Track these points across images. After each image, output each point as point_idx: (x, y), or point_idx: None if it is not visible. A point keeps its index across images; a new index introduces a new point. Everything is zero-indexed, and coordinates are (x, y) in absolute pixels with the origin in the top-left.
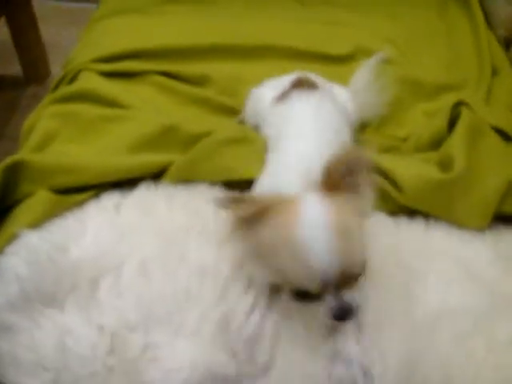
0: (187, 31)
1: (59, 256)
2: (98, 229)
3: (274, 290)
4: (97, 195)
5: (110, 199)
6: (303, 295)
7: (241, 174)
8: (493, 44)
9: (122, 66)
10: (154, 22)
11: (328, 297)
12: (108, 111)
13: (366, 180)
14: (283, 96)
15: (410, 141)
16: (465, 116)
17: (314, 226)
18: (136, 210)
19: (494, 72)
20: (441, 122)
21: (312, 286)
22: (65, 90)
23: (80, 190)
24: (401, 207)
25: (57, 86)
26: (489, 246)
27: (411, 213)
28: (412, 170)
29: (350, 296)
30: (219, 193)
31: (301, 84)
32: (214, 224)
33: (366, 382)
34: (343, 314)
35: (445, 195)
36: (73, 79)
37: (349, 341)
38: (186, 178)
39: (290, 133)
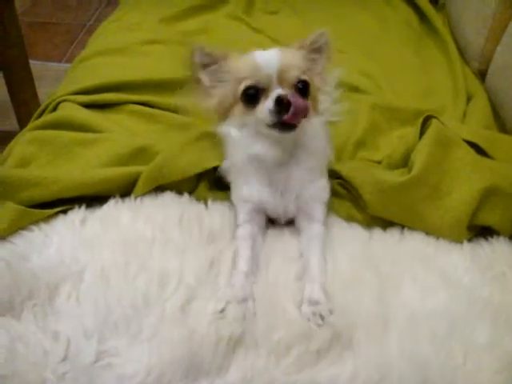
0: (165, 66)
1: (18, 264)
2: (61, 240)
3: None
4: (65, 211)
5: (77, 214)
6: (253, 97)
7: (208, 164)
8: (468, 75)
9: (101, 98)
10: (133, 60)
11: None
12: (83, 135)
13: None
14: None
15: (383, 160)
16: (432, 126)
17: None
18: (101, 223)
19: (469, 99)
20: (412, 137)
21: (259, 77)
22: (43, 118)
23: (49, 205)
24: (374, 219)
25: (39, 117)
26: (466, 255)
27: (386, 225)
28: (369, 175)
29: (292, 93)
30: (185, 204)
31: None
32: (178, 236)
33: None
34: (284, 101)
35: (406, 200)
36: (54, 110)
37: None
38: (156, 184)
39: None
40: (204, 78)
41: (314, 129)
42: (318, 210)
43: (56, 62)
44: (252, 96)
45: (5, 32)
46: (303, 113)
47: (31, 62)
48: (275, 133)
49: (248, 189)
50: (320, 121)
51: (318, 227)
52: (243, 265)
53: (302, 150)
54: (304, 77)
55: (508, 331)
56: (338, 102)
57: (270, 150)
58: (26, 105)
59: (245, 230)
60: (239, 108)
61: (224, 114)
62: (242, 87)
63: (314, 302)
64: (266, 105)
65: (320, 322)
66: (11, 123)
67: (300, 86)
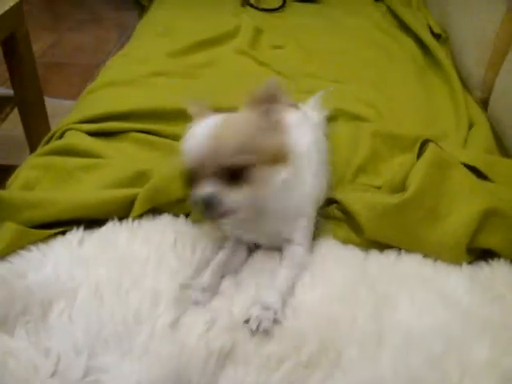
0: (168, 96)
1: (14, 281)
2: (58, 259)
3: None
4: (63, 232)
5: (75, 235)
6: (188, 181)
7: None
8: (470, 103)
9: (105, 126)
10: (138, 91)
11: (199, 182)
12: (86, 161)
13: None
14: None
15: (384, 186)
16: (429, 150)
17: (206, 125)
18: (98, 244)
19: (471, 126)
20: (410, 162)
21: (189, 163)
22: (49, 145)
23: (48, 226)
24: (372, 242)
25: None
26: (466, 276)
27: (383, 248)
28: (364, 200)
29: (213, 188)
30: (181, 226)
31: None
32: (173, 257)
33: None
34: (203, 202)
35: (402, 222)
36: (60, 138)
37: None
38: (152, 204)
39: None
40: None
41: (276, 189)
42: (298, 235)
43: (70, 100)
44: (187, 178)
45: (22, 71)
46: (236, 208)
47: (47, 99)
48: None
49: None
50: (284, 176)
51: (297, 249)
52: (214, 264)
53: (269, 208)
54: (235, 160)
55: (507, 351)
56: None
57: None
58: (39, 140)
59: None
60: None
61: None
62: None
63: (264, 307)
64: (191, 199)
65: (254, 327)
66: (25, 158)
67: (232, 171)
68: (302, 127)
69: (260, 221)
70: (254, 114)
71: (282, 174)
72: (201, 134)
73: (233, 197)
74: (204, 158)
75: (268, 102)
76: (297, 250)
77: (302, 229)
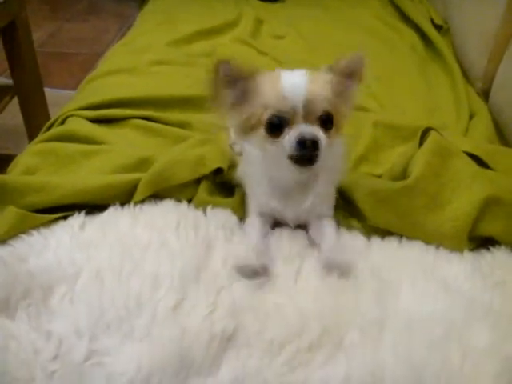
0: (169, 84)
1: (15, 265)
2: (59, 243)
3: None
4: (65, 217)
5: (76, 220)
6: (276, 127)
7: (206, 169)
8: (471, 94)
9: (106, 113)
10: (139, 79)
11: (296, 126)
12: (87, 147)
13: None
14: None
15: (384, 174)
16: (431, 138)
17: (294, 75)
18: (100, 228)
19: (472, 116)
20: (412, 150)
21: (284, 107)
22: (50, 132)
23: (50, 211)
24: (374, 229)
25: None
26: (467, 263)
27: (385, 235)
28: (366, 187)
29: (316, 130)
30: (184, 210)
31: None
32: (174, 242)
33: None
34: (306, 141)
35: (403, 208)
36: (61, 124)
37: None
38: (155, 188)
39: None
40: (229, 94)
41: (334, 152)
42: (326, 211)
43: (71, 90)
44: (275, 126)
45: (22, 60)
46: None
47: (48, 89)
48: (295, 166)
49: (261, 199)
50: (340, 142)
51: (327, 220)
52: (258, 245)
53: (320, 171)
54: (329, 108)
55: (507, 337)
56: None
57: (289, 175)
58: (39, 130)
59: (254, 221)
60: (262, 132)
61: (246, 133)
62: (265, 115)
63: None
64: (289, 140)
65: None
66: (25, 148)
67: (324, 117)
68: None
69: (307, 187)
70: (335, 78)
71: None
72: (299, 82)
73: (324, 143)
74: (304, 103)
75: (348, 73)
76: (328, 221)
77: (331, 200)
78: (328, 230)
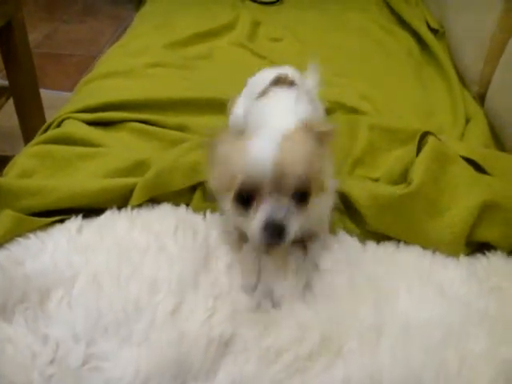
0: (165, 87)
1: (12, 268)
2: (56, 246)
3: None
4: (62, 221)
5: (73, 223)
6: (244, 201)
7: (202, 175)
8: (467, 98)
9: (103, 115)
10: (136, 82)
11: (264, 203)
12: (83, 150)
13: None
14: (263, 92)
15: (382, 178)
16: (429, 143)
17: (268, 137)
18: (97, 232)
19: (468, 121)
20: (409, 155)
21: (253, 178)
22: (46, 134)
23: (47, 214)
24: (371, 233)
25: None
26: (463, 268)
27: (381, 239)
28: (366, 190)
29: (285, 210)
30: (182, 214)
31: (280, 82)
32: (172, 245)
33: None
34: (274, 226)
35: (404, 214)
36: (58, 127)
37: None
38: (152, 193)
39: (267, 124)
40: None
41: (316, 211)
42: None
43: (67, 92)
44: (243, 199)
45: (18, 61)
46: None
47: (43, 91)
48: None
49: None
50: (326, 198)
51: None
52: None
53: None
54: (303, 181)
55: (504, 341)
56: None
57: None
58: (34, 131)
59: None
60: (232, 201)
61: (221, 192)
62: (235, 185)
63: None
64: (255, 222)
65: None
66: (20, 149)
67: (297, 194)
68: None
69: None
70: (310, 139)
71: (328, 202)
72: (267, 153)
73: (295, 224)
74: (274, 178)
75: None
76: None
77: (327, 220)
78: (311, 254)
